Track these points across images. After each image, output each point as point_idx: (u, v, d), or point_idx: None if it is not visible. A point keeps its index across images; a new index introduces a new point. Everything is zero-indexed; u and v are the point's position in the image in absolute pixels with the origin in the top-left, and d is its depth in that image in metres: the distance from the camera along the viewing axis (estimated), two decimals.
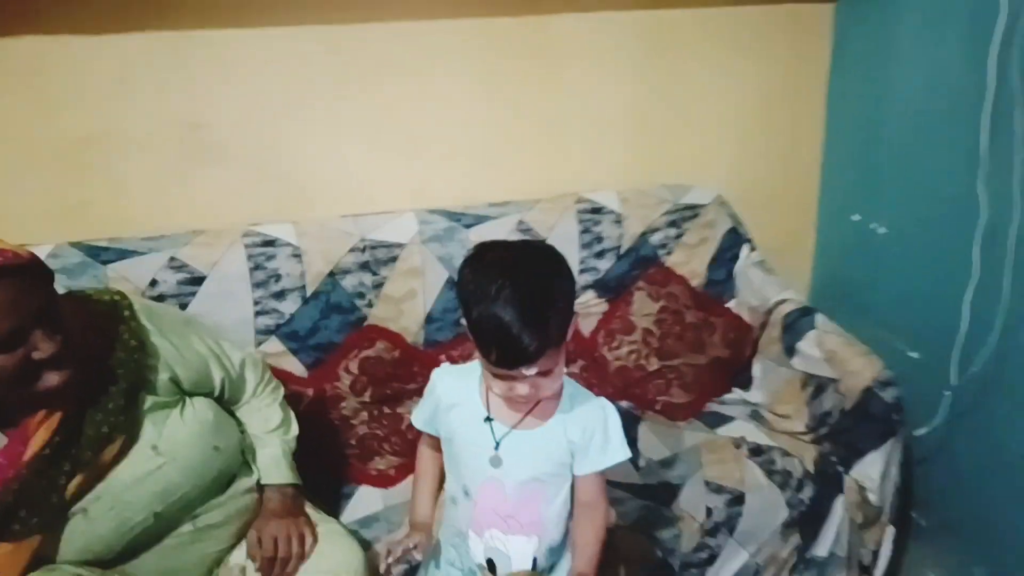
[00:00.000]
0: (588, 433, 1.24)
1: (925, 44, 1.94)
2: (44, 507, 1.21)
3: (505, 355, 1.09)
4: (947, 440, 1.96)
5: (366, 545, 1.54)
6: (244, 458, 1.49)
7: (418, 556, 1.26)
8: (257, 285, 1.91)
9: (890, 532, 1.85)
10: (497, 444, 1.23)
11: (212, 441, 1.38)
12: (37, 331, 1.15)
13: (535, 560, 1.25)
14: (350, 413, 1.94)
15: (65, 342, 1.17)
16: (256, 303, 1.91)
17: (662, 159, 2.33)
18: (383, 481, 1.82)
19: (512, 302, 1.07)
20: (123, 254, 1.84)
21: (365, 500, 1.77)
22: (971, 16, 1.77)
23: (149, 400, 1.33)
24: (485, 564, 1.26)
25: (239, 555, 1.44)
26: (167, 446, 1.32)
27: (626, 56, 2.19)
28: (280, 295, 1.93)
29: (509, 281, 1.09)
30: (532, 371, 1.10)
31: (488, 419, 1.24)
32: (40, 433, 1.21)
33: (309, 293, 1.95)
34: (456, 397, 1.28)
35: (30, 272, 1.16)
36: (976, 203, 1.78)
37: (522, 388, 1.13)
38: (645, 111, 2.26)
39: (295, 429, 1.58)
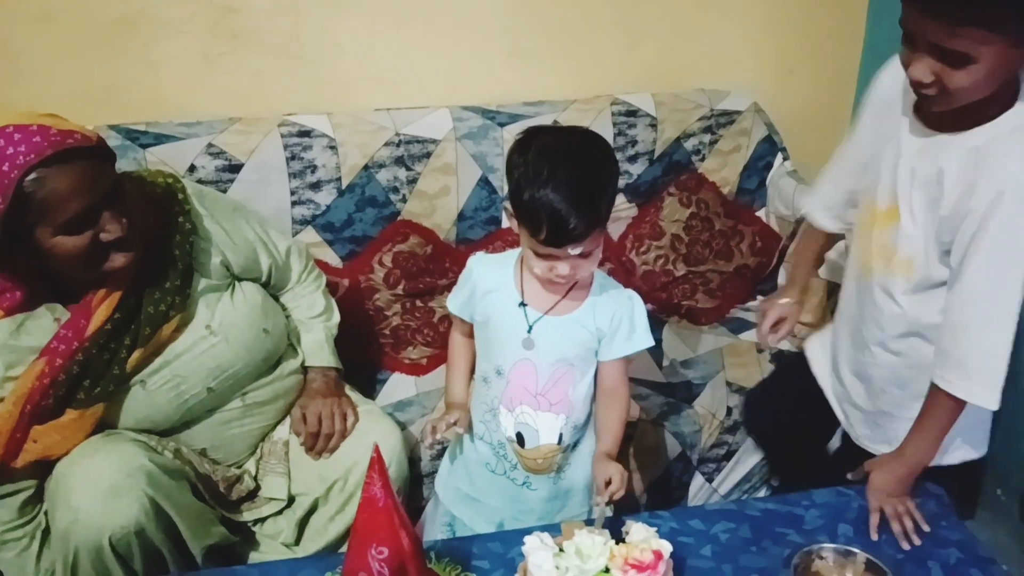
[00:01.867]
0: (616, 321, 1.31)
1: None
2: (106, 378, 1.27)
3: (555, 234, 1.14)
4: None
5: (400, 426, 1.62)
6: (290, 341, 1.55)
7: (460, 430, 1.34)
8: (293, 175, 1.93)
9: None
10: (530, 328, 1.29)
11: (261, 323, 1.44)
12: (106, 212, 1.18)
13: (561, 436, 1.33)
14: (384, 304, 1.99)
15: (131, 223, 1.20)
16: (292, 193, 1.93)
17: (699, 62, 2.29)
18: (415, 370, 1.89)
19: (564, 184, 1.12)
20: (161, 139, 1.86)
21: (398, 386, 1.84)
22: None
23: (203, 283, 1.38)
24: (514, 437, 1.34)
25: (283, 431, 1.53)
26: (220, 326, 1.38)
27: None
28: (316, 186, 1.95)
29: (561, 164, 1.14)
30: (577, 250, 1.16)
31: (522, 304, 1.29)
32: (101, 310, 1.26)
33: (344, 185, 1.97)
34: (492, 283, 1.32)
35: (98, 153, 1.19)
36: None
37: (563, 268, 1.19)
38: (683, 11, 2.21)
39: (337, 316, 1.63)
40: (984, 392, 1.21)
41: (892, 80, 1.28)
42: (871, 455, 1.39)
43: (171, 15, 1.89)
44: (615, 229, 2.22)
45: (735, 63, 2.30)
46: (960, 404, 1.24)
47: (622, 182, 2.18)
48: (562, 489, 1.40)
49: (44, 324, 1.25)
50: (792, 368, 1.68)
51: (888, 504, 1.29)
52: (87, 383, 1.26)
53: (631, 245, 2.21)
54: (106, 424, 1.32)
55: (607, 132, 2.12)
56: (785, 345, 1.83)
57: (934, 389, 1.25)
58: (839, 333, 1.48)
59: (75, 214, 1.14)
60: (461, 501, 1.44)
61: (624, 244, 2.22)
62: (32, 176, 1.10)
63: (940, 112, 1.15)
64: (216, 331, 1.37)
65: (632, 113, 2.17)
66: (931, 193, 1.20)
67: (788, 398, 1.67)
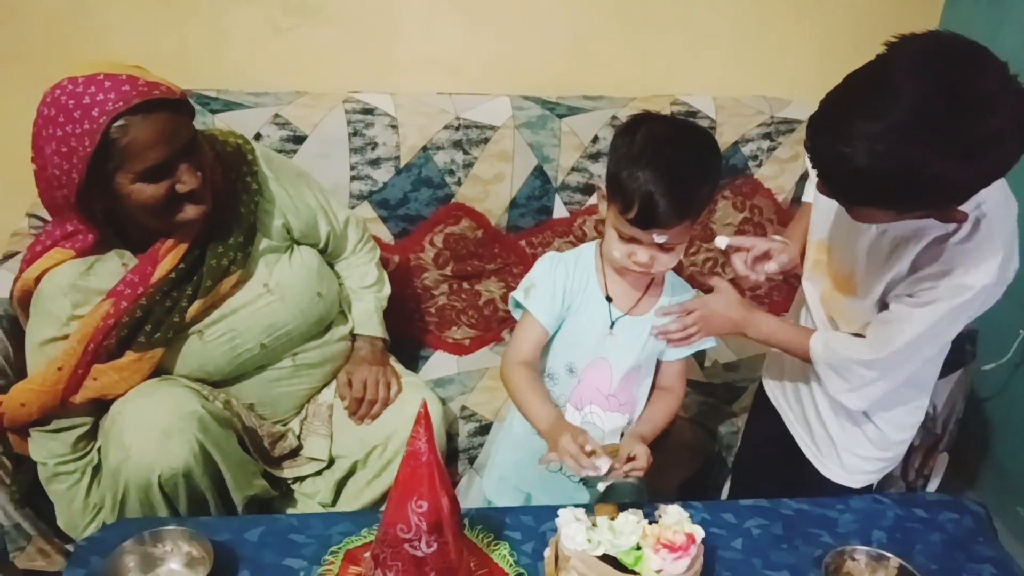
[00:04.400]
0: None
1: None
2: (166, 324, 1.32)
3: (645, 215, 1.14)
4: (1012, 380, 1.97)
5: (441, 401, 1.65)
6: (341, 308, 1.59)
7: (602, 455, 1.15)
8: (354, 150, 1.97)
9: (943, 460, 1.89)
10: (612, 324, 1.29)
11: (316, 287, 1.48)
12: (183, 164, 1.22)
13: (622, 434, 1.33)
14: (431, 284, 2.02)
15: (204, 178, 1.25)
16: (352, 168, 1.98)
17: (762, 69, 2.29)
18: (458, 349, 1.92)
19: (665, 168, 1.13)
20: (230, 106, 1.91)
21: (441, 363, 1.88)
22: None
23: (264, 242, 1.42)
24: None
25: (328, 394, 1.56)
26: (277, 285, 1.42)
27: None
28: (375, 163, 1.99)
29: (666, 149, 1.15)
30: (662, 239, 1.16)
31: (608, 299, 1.29)
32: (167, 259, 1.31)
33: (402, 164, 2.01)
34: (578, 280, 1.31)
35: (180, 107, 1.24)
36: None
37: (643, 255, 1.18)
38: (749, 19, 2.21)
39: (388, 289, 1.67)
40: (853, 399, 1.29)
41: None
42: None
43: None
44: None
45: (798, 72, 2.28)
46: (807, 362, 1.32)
47: None
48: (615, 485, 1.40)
49: (112, 268, 1.31)
50: None
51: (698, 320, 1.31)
52: (148, 327, 1.31)
53: None
54: (163, 370, 1.37)
55: None
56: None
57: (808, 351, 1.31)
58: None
59: (155, 163, 1.19)
60: (506, 492, 1.43)
61: None
62: (119, 123, 1.15)
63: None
64: (273, 290, 1.41)
65: (692, 115, 2.16)
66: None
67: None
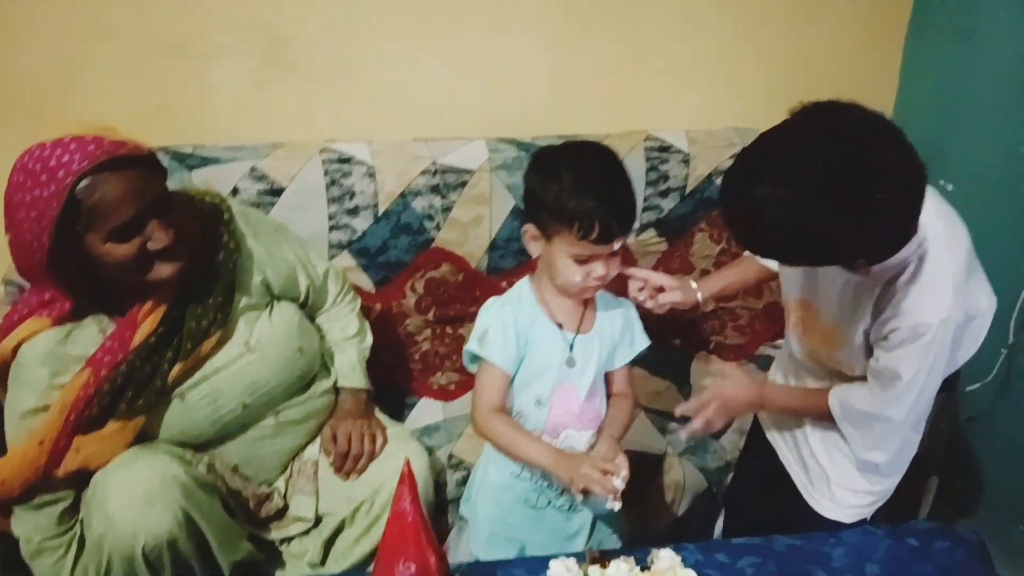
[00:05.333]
0: (621, 329, 1.40)
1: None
2: (148, 389, 1.30)
3: (605, 231, 1.22)
4: (996, 399, 1.99)
5: (428, 451, 1.63)
6: (323, 362, 1.58)
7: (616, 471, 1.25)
8: (332, 200, 1.97)
9: (933, 483, 1.90)
10: (571, 346, 1.34)
11: (297, 343, 1.47)
12: (153, 221, 1.22)
13: (592, 447, 1.36)
14: (414, 330, 2.02)
15: (178, 235, 1.24)
16: (331, 218, 1.97)
17: (731, 101, 2.32)
18: (444, 395, 1.92)
19: (606, 188, 1.24)
20: (206, 161, 1.91)
21: (427, 411, 1.87)
22: None
23: (243, 300, 1.41)
24: None
25: (313, 450, 1.55)
26: (257, 343, 1.41)
27: None
28: (353, 212, 1.99)
29: (595, 172, 1.26)
30: (618, 245, 1.26)
31: (559, 325, 1.34)
32: (146, 323, 1.30)
33: (381, 212, 2.01)
34: (526, 316, 1.35)
35: (148, 164, 1.23)
36: None
37: (600, 268, 1.27)
38: (718, 52, 2.25)
39: (370, 339, 1.66)
40: (878, 455, 1.34)
41: None
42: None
43: (223, 41, 1.95)
44: (645, 264, 2.23)
45: (769, 102, 2.30)
46: (831, 421, 1.35)
47: (653, 216, 2.20)
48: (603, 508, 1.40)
49: (90, 335, 1.30)
50: None
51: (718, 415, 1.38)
52: (130, 394, 1.29)
53: None
54: (144, 436, 1.35)
55: (640, 167, 2.15)
56: None
57: (827, 403, 1.34)
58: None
59: (124, 220, 1.18)
60: (499, 546, 1.42)
61: None
62: (84, 182, 1.15)
63: None
64: (254, 348, 1.40)
65: (665, 149, 2.19)
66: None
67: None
